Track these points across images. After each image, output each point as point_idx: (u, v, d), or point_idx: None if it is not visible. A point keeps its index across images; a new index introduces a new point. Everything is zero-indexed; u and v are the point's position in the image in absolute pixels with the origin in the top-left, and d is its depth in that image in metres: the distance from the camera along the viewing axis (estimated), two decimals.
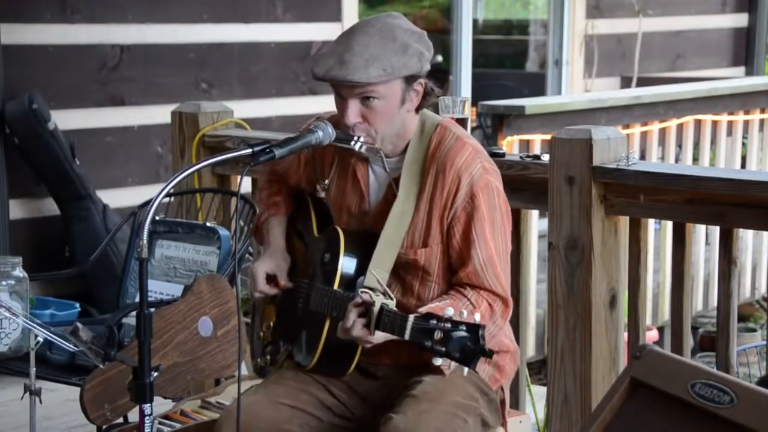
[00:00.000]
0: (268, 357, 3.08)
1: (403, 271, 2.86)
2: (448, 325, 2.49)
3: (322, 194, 3.01)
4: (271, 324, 3.10)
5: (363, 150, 2.83)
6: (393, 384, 2.87)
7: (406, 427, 2.67)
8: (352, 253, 2.87)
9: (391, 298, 2.68)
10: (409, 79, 2.78)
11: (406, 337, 2.57)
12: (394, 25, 2.78)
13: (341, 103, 2.80)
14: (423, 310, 2.67)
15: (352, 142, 2.81)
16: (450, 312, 2.51)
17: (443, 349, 2.49)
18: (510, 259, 2.91)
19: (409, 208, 2.83)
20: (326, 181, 2.98)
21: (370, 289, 2.73)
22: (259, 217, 3.17)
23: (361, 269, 2.84)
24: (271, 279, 3.01)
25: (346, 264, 2.86)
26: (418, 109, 2.87)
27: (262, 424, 2.80)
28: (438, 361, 2.52)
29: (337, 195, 2.97)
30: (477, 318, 2.52)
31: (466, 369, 2.55)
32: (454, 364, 2.56)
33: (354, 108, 2.78)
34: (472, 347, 2.47)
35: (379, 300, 2.65)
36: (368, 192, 2.92)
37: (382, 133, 2.82)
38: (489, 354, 2.49)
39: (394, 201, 2.84)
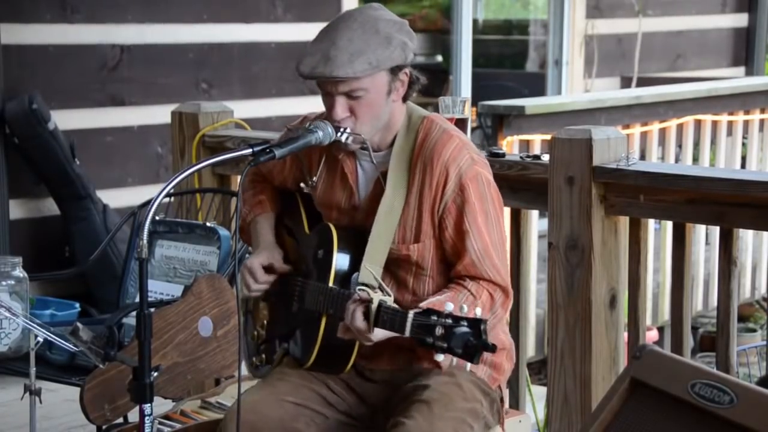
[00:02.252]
0: (263, 356, 3.07)
1: (396, 266, 2.85)
2: (449, 320, 2.48)
3: (308, 191, 3.00)
4: (265, 322, 3.09)
5: (350, 141, 2.83)
6: (391, 387, 2.87)
7: None
8: (345, 248, 2.86)
9: (389, 294, 2.67)
10: (394, 70, 2.78)
11: (407, 333, 2.55)
12: (376, 17, 2.78)
13: (328, 99, 2.81)
14: (422, 305, 2.67)
15: (339, 133, 2.80)
16: (450, 307, 2.50)
17: (445, 345, 2.48)
18: (508, 249, 2.89)
19: (398, 202, 2.82)
20: (314, 179, 2.98)
21: (366, 285, 2.72)
22: (245, 218, 3.13)
23: (354, 265, 2.83)
24: (267, 270, 2.99)
25: (340, 260, 2.85)
26: (404, 99, 2.87)
27: (268, 423, 2.79)
28: (440, 357, 2.52)
29: (325, 192, 2.96)
30: (478, 312, 2.51)
31: (468, 365, 2.54)
32: (455, 360, 2.55)
33: (341, 103, 2.78)
34: (474, 342, 2.46)
35: (376, 297, 2.63)
36: (357, 187, 2.91)
37: (370, 125, 2.82)
38: (492, 348, 2.48)
39: (383, 195, 2.84)
